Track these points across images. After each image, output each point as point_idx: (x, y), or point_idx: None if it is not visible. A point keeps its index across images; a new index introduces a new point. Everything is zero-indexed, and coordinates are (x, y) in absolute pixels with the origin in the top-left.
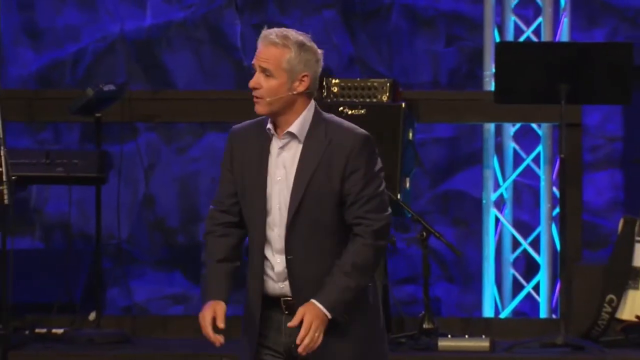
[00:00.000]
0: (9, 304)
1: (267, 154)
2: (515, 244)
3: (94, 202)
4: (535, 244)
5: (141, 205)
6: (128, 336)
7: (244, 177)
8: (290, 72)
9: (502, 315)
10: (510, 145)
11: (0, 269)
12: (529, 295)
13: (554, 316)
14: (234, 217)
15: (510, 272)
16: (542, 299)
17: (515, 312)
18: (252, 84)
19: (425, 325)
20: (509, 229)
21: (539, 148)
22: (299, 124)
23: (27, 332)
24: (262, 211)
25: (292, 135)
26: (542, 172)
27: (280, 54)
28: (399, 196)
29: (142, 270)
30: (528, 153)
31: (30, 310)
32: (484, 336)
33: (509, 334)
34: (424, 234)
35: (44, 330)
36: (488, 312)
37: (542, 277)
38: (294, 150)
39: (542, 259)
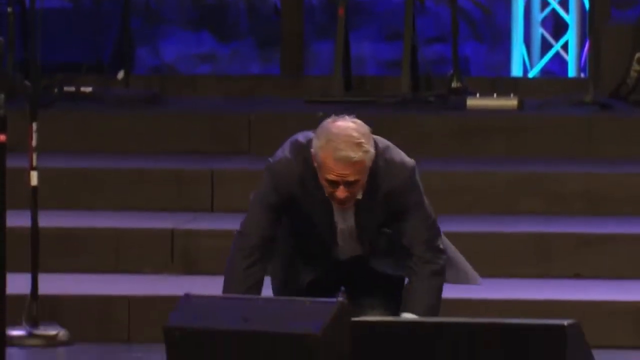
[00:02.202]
0: (38, 63)
1: (328, 205)
2: (544, 3)
3: None
4: (564, 3)
5: None
6: (157, 95)
7: (301, 219)
8: (370, 160)
9: (531, 75)
10: None
11: (28, 27)
12: (557, 54)
13: (582, 75)
14: (265, 257)
15: (539, 31)
16: (571, 58)
17: (543, 71)
18: (342, 198)
19: (453, 85)
20: None
21: None
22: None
23: (55, 90)
24: (330, 244)
25: None
26: None
27: (365, 165)
28: None
29: (171, 29)
30: None
31: (59, 69)
32: (512, 95)
33: (537, 92)
34: None
35: (72, 89)
36: (516, 71)
37: (571, 36)
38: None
39: (571, 18)
